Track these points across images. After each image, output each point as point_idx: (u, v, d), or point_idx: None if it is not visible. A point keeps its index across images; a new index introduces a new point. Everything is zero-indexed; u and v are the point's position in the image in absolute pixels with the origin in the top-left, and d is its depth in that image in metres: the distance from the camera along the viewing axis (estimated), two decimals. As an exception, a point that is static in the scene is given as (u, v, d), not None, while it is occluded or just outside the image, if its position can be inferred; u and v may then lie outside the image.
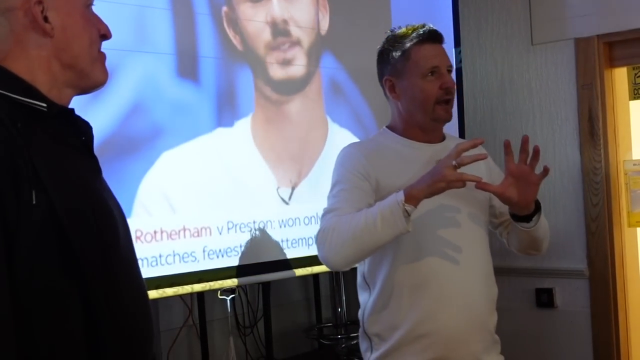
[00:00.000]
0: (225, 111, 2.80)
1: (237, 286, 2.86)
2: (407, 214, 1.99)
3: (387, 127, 2.33)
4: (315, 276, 3.57)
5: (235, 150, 2.83)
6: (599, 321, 3.61)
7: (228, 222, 2.76)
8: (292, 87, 3.03)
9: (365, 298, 2.25)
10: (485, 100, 3.95)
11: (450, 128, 3.62)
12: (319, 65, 3.13)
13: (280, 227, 2.91)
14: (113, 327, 1.36)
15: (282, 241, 2.93)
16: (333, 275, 3.63)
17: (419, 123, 2.24)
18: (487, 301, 2.24)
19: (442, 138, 2.32)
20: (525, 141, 2.15)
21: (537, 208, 2.24)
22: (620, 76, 3.67)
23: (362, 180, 2.16)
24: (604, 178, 3.59)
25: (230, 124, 2.82)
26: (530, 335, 3.81)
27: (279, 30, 2.97)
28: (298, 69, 3.04)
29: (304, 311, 3.68)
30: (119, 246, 1.42)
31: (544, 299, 3.76)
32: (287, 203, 2.96)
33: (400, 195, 2.00)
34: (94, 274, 1.34)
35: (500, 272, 3.70)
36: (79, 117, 1.48)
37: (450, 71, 2.25)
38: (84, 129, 1.48)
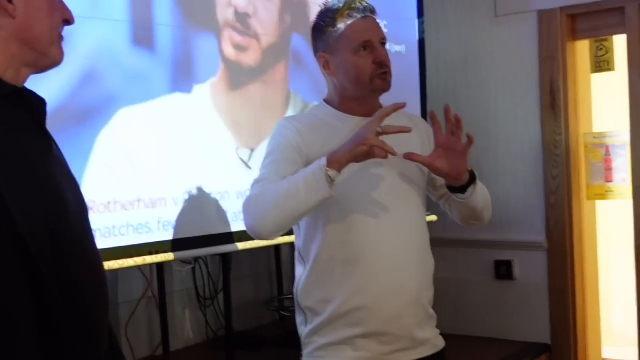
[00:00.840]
0: (182, 79, 2.76)
1: (194, 259, 2.84)
2: (331, 179, 1.99)
3: (324, 100, 2.30)
4: (277, 248, 3.56)
5: (194, 116, 2.79)
6: (557, 293, 3.65)
7: (184, 193, 2.73)
8: (246, 72, 3.01)
9: (300, 272, 2.24)
10: (448, 73, 3.94)
11: (413, 100, 3.63)
12: (284, 55, 3.12)
13: (238, 197, 2.89)
14: (63, 301, 1.36)
15: (239, 212, 2.90)
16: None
17: (356, 96, 2.21)
18: (421, 275, 2.23)
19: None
20: (447, 110, 2.15)
21: (473, 178, 2.23)
22: (583, 49, 3.68)
23: (294, 153, 2.14)
24: (565, 151, 3.61)
25: (188, 90, 2.78)
26: (489, 306, 3.85)
27: (240, 16, 2.95)
28: (250, 58, 3.02)
29: (265, 283, 3.67)
30: (67, 222, 1.42)
31: (503, 271, 3.79)
32: (247, 165, 2.94)
33: (323, 161, 2.00)
34: (41, 252, 1.34)
35: (460, 245, 3.77)
36: (33, 94, 1.48)
37: (384, 44, 2.22)
38: (37, 106, 1.48)
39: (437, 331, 2.31)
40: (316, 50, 2.25)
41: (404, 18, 3.65)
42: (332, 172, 1.99)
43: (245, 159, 2.96)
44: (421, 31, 3.73)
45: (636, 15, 3.42)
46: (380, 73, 2.17)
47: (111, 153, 2.52)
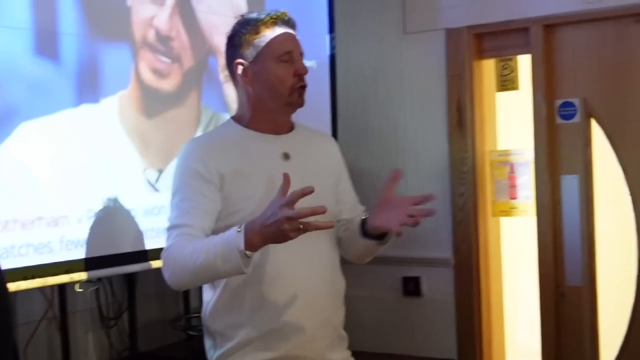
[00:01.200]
0: (89, 91, 2.68)
1: (93, 279, 2.77)
2: (247, 256, 1.96)
3: (232, 118, 2.27)
4: (183, 265, 3.51)
5: (100, 130, 2.72)
6: (463, 309, 3.71)
7: (89, 211, 2.65)
8: (163, 98, 2.97)
9: (209, 295, 2.20)
10: (358, 89, 3.97)
11: (323, 116, 3.64)
12: (201, 76, 3.09)
13: (145, 215, 2.83)
14: None
15: (146, 231, 2.84)
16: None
17: (270, 109, 2.18)
18: (331, 297, 2.23)
19: (291, 128, 2.27)
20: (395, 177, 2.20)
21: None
22: (489, 68, 3.77)
23: (204, 184, 2.09)
24: (471, 168, 3.68)
25: (95, 101, 2.70)
26: (397, 323, 3.88)
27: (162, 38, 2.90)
28: (170, 84, 2.98)
29: (171, 301, 3.60)
30: None
31: (411, 287, 3.83)
32: (154, 187, 2.88)
33: (241, 241, 1.93)
34: None
35: (369, 261, 3.78)
36: None
37: (301, 58, 2.22)
38: None
39: (349, 352, 2.31)
40: (232, 58, 2.21)
41: (315, 33, 3.66)
42: (249, 253, 1.95)
43: (153, 181, 2.90)
44: (332, 47, 3.75)
45: (540, 36, 3.53)
46: (299, 86, 2.17)
47: (9, 169, 2.42)
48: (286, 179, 1.95)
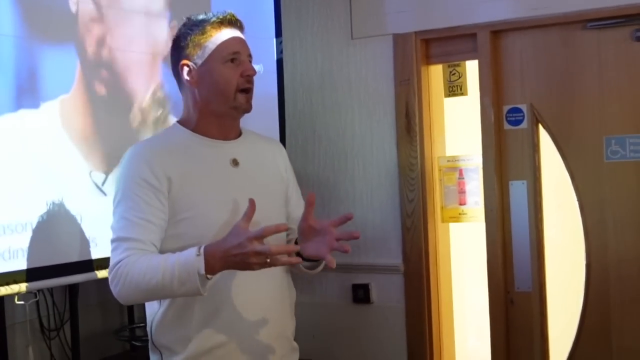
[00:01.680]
0: (27, 95, 2.64)
1: (29, 291, 2.72)
2: (207, 279, 1.95)
3: (178, 122, 2.23)
4: (126, 274, 3.46)
5: (41, 135, 2.67)
6: (413, 316, 3.73)
7: (29, 220, 2.61)
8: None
9: (154, 308, 2.16)
10: (305, 94, 3.97)
11: (271, 121, 3.63)
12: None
13: (93, 222, 2.78)
14: None
15: (91, 239, 2.80)
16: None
17: (216, 112, 2.16)
18: (283, 308, 2.23)
19: (239, 133, 2.25)
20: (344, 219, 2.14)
21: None
22: (436, 73, 3.80)
23: (151, 192, 2.05)
24: (420, 174, 3.70)
25: (35, 106, 2.65)
26: (347, 330, 3.88)
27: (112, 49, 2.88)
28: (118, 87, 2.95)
29: (114, 311, 3.55)
30: None
31: (360, 294, 3.84)
32: (101, 190, 2.84)
33: (201, 266, 1.92)
34: None
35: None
36: None
37: (250, 60, 2.21)
38: None
39: None
40: (178, 60, 2.19)
41: (262, 37, 3.65)
42: (209, 276, 1.94)
43: (99, 183, 2.86)
44: (279, 51, 3.75)
45: (487, 42, 3.57)
46: (246, 88, 2.15)
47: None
48: (252, 204, 1.95)
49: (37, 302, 3.11)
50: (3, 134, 2.55)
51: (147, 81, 3.09)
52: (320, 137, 3.95)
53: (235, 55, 2.15)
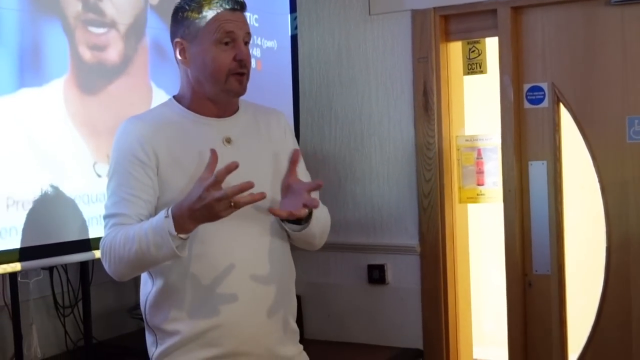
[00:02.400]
0: (30, 72, 2.63)
1: (40, 269, 2.76)
2: (182, 239, 1.96)
3: (174, 97, 2.22)
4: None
5: (44, 115, 2.68)
6: (429, 297, 3.75)
7: (33, 198, 2.64)
8: (108, 71, 2.92)
9: (147, 288, 2.16)
10: (321, 71, 3.98)
11: (285, 98, 3.65)
12: (143, 38, 3.04)
13: (96, 201, 2.81)
14: None
15: (96, 217, 2.83)
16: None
17: (208, 94, 2.14)
18: (280, 288, 2.19)
19: (235, 109, 2.22)
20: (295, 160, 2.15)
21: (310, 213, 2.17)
22: (456, 50, 3.79)
23: (141, 168, 2.05)
24: (437, 153, 3.71)
25: (38, 85, 2.66)
26: (362, 311, 3.91)
27: (90, 5, 2.83)
28: (113, 54, 2.92)
29: (128, 289, 3.60)
30: None
31: (376, 275, 3.86)
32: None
33: (171, 226, 1.93)
34: None
35: (333, 248, 3.81)
36: None
37: (247, 43, 2.16)
38: None
39: (301, 347, 2.28)
40: (174, 36, 2.17)
41: (276, 13, 3.66)
42: (183, 235, 1.95)
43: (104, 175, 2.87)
44: (294, 27, 3.75)
45: (507, 18, 3.55)
46: (238, 73, 2.11)
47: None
48: (213, 155, 1.96)
49: (52, 279, 3.16)
50: (4, 112, 2.56)
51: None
52: (336, 115, 3.96)
53: (229, 37, 2.10)
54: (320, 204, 2.26)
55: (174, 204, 1.96)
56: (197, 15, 2.11)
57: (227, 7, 2.12)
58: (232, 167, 1.91)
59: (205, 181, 1.91)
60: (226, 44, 2.10)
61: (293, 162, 2.18)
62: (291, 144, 2.31)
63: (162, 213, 1.96)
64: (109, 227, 2.06)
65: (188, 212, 1.92)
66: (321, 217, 2.23)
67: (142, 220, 2.05)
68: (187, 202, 1.93)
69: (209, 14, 2.10)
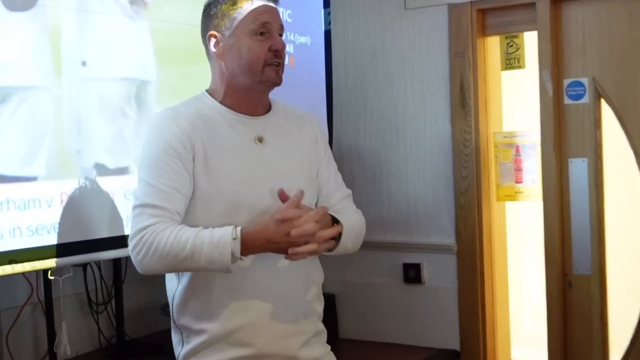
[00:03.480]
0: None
1: (72, 265, 2.83)
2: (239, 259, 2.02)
3: (206, 91, 2.26)
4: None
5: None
6: (466, 297, 3.76)
7: (62, 194, 2.71)
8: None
9: (173, 284, 2.20)
10: (356, 66, 4.01)
11: (318, 95, 3.69)
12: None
13: (127, 198, 2.87)
14: None
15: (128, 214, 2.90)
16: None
17: (243, 86, 2.17)
18: (308, 288, 2.23)
19: (268, 108, 2.28)
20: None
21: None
22: (493, 45, 3.80)
23: (179, 160, 2.08)
24: (474, 150, 3.72)
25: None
26: (397, 311, 3.93)
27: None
28: None
29: (162, 287, 3.63)
30: None
31: (411, 274, 3.88)
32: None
33: (237, 249, 2.00)
34: None
35: (368, 247, 3.78)
36: None
37: (281, 34, 2.21)
38: None
39: (328, 347, 2.32)
40: (206, 30, 2.21)
41: (310, 8, 3.69)
42: (242, 257, 2.02)
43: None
44: (327, 22, 3.79)
45: (547, 11, 3.55)
46: (274, 63, 2.16)
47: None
48: (290, 198, 2.03)
49: (85, 276, 3.23)
50: (42, 98, 2.64)
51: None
52: (371, 111, 3.99)
53: (265, 28, 2.16)
54: (353, 209, 2.34)
55: (245, 229, 2.01)
56: (232, 7, 2.16)
57: (262, 0, 2.18)
58: (298, 201, 2.02)
59: (285, 224, 1.99)
60: (261, 34, 2.15)
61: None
62: (322, 151, 2.35)
63: (229, 232, 2.00)
64: (146, 217, 2.05)
65: (264, 243, 2.01)
66: (353, 229, 2.27)
67: (179, 215, 2.08)
68: (264, 236, 2.00)
69: (244, 6, 2.16)
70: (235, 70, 2.17)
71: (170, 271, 2.14)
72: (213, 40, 2.19)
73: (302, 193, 2.05)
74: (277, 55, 2.17)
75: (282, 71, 2.20)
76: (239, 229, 2.01)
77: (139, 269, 2.09)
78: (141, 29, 2.98)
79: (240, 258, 2.01)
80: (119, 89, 2.94)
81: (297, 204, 2.03)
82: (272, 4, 2.20)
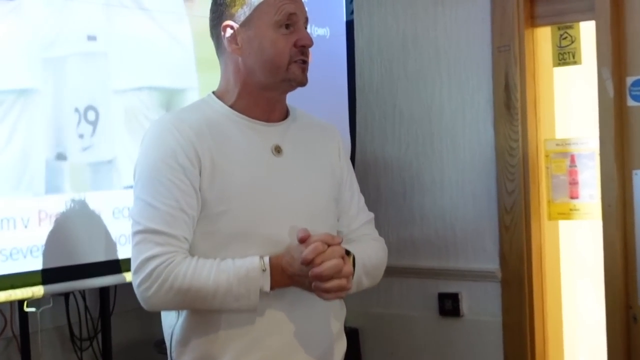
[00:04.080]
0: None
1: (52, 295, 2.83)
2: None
3: (214, 93, 2.24)
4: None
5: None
6: (512, 332, 3.75)
7: (40, 212, 2.70)
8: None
9: (171, 320, 2.19)
10: (383, 62, 4.01)
11: (338, 94, 3.68)
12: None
13: (115, 217, 2.88)
14: None
15: (122, 236, 2.89)
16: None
17: (263, 85, 2.15)
18: (329, 325, 2.23)
19: (285, 115, 2.26)
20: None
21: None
22: (544, 37, 3.79)
23: (182, 174, 2.06)
24: (522, 160, 3.71)
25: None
26: (431, 348, 3.92)
27: None
28: None
29: (156, 319, 3.64)
30: None
31: (448, 305, 3.87)
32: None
33: (267, 282, 2.01)
34: None
35: (397, 273, 3.83)
36: None
37: (306, 26, 2.19)
38: None
39: None
40: (219, 19, 2.18)
41: (329, -5, 3.71)
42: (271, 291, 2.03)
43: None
44: (350, 11, 3.79)
45: (607, -2, 3.56)
46: (301, 60, 2.14)
47: None
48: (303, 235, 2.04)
49: (68, 306, 3.23)
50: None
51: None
52: (401, 113, 3.98)
53: (291, 20, 2.14)
54: (374, 237, 2.34)
55: (274, 258, 2.03)
56: None
57: None
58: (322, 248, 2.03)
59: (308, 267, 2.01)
60: (286, 27, 2.14)
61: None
62: (345, 168, 2.35)
63: (256, 264, 2.02)
64: (152, 246, 2.03)
65: (289, 278, 2.05)
66: (370, 261, 2.26)
67: (187, 241, 2.07)
68: (290, 270, 2.03)
69: None
70: (254, 67, 2.15)
71: (183, 309, 2.12)
72: (229, 31, 2.17)
73: (328, 239, 2.06)
74: (303, 52, 2.15)
75: (307, 69, 2.18)
76: (267, 259, 2.02)
77: (145, 306, 2.08)
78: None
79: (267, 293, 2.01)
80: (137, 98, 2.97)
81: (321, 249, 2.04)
82: None
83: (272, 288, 2.02)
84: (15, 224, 2.63)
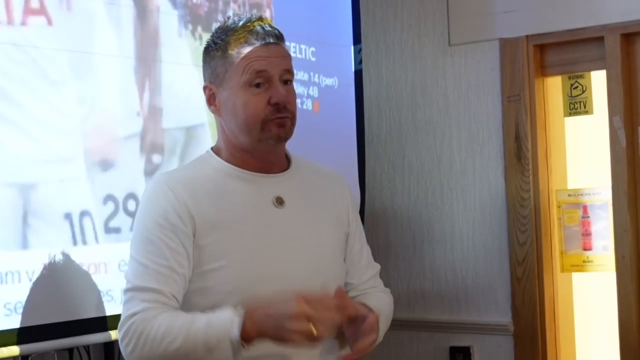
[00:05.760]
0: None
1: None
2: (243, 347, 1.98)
3: (212, 149, 2.24)
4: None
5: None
6: (526, 388, 3.70)
7: (38, 266, 2.67)
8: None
9: None
10: (392, 112, 4.01)
11: (347, 145, 3.67)
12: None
13: (121, 269, 2.85)
14: None
15: (106, 291, 2.85)
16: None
17: (244, 146, 2.15)
18: None
19: (287, 165, 2.24)
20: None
21: None
22: (554, 87, 3.79)
23: (173, 234, 2.06)
24: (533, 211, 3.69)
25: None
26: (442, 406, 3.88)
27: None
28: None
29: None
30: None
31: (460, 359, 3.83)
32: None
33: (236, 334, 1.95)
34: None
35: (407, 327, 3.80)
36: None
37: (288, 81, 2.15)
38: None
39: None
40: (204, 79, 2.21)
41: (337, 45, 3.70)
42: (246, 345, 1.97)
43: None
44: (358, 61, 3.80)
45: (617, 47, 3.54)
46: (277, 118, 2.10)
47: None
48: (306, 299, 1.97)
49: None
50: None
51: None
52: (410, 164, 3.97)
53: (261, 77, 2.10)
54: (381, 289, 2.34)
55: (249, 310, 1.97)
56: (223, 54, 2.13)
57: (258, 43, 2.12)
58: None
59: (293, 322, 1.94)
60: (257, 85, 2.11)
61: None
62: (353, 219, 2.33)
63: (227, 314, 1.97)
64: (137, 303, 2.04)
65: (274, 331, 1.96)
66: (385, 316, 2.26)
67: (176, 299, 2.06)
68: (273, 323, 1.95)
69: (235, 52, 2.12)
70: (232, 128, 2.15)
71: None
72: (208, 93, 2.18)
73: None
74: (279, 109, 2.11)
75: (294, 123, 2.15)
76: (241, 308, 1.98)
77: None
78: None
79: (242, 344, 1.95)
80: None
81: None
82: (272, 45, 2.14)
83: (244, 336, 1.95)
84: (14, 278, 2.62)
